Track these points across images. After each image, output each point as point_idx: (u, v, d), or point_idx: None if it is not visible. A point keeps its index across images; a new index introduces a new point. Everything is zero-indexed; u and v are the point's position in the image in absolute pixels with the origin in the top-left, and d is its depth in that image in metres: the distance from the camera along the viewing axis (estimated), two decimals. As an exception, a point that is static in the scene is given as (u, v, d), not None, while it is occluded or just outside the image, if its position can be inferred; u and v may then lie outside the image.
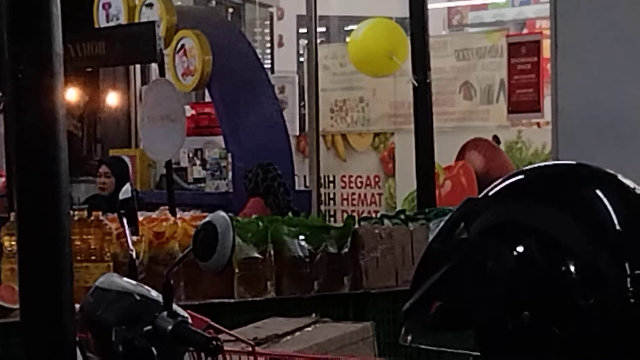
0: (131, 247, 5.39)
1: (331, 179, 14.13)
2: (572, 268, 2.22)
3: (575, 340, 2.22)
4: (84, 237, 7.32)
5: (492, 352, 2.28)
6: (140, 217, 7.17)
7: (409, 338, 2.43)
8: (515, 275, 2.25)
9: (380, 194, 13.64)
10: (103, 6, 13.35)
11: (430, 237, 8.06)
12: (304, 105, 14.78)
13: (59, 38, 3.76)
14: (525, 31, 13.57)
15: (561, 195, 2.35)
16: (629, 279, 2.23)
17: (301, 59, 15.50)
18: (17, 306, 6.30)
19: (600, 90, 10.55)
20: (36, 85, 3.76)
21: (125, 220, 5.45)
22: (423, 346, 2.40)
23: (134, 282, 4.81)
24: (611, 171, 2.40)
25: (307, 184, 13.98)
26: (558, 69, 11.56)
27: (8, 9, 3.84)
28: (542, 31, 12.58)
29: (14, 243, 7.60)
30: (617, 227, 2.28)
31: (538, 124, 12.36)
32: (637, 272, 2.23)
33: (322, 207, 13.74)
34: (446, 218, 2.60)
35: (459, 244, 2.36)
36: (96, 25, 13.28)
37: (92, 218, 7.63)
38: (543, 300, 2.22)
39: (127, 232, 5.50)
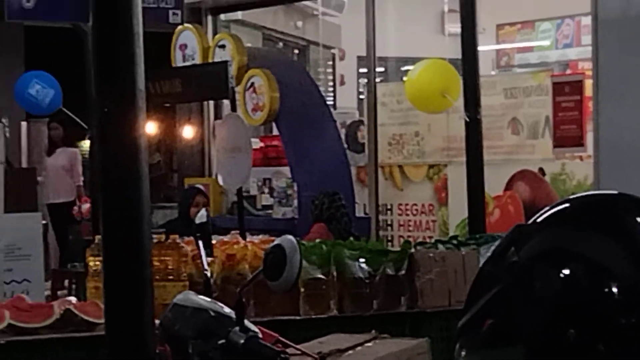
0: (206, 267, 5.43)
1: (389, 206, 14.10)
2: (615, 289, 2.21)
3: (619, 357, 2.21)
4: (162, 258, 7.35)
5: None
6: (214, 240, 7.21)
7: (463, 353, 2.42)
8: (562, 296, 2.24)
9: (434, 221, 13.61)
10: (180, 47, 13.43)
11: (481, 261, 8.04)
12: (363, 139, 14.78)
13: (141, 76, 3.79)
14: (568, 71, 13.52)
15: (604, 222, 2.34)
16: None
17: (361, 97, 15.51)
18: (101, 321, 6.34)
19: (638, 126, 10.49)
20: (120, 120, 3.78)
21: (201, 243, 5.49)
22: (478, 358, 2.40)
23: (208, 299, 4.83)
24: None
25: (367, 211, 13.98)
26: (599, 106, 11.51)
27: (95, 51, 3.87)
28: (584, 72, 12.53)
29: (98, 263, 7.64)
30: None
31: (581, 158, 12.30)
32: None
33: (381, 233, 13.73)
34: (497, 243, 2.60)
35: (510, 267, 2.35)
36: (173, 65, 13.36)
37: (169, 241, 7.65)
38: (587, 320, 2.21)
39: (203, 253, 5.54)
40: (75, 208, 16.84)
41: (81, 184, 17.06)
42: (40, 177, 16.26)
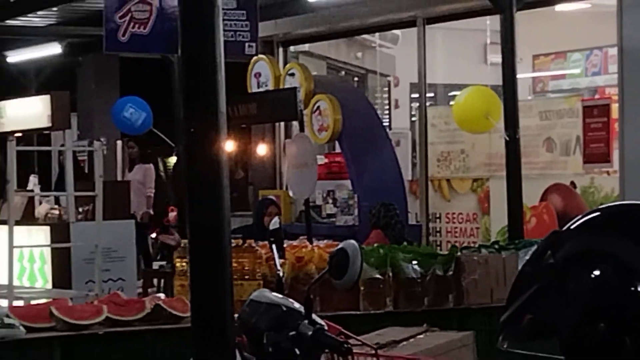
0: (278, 268, 5.43)
1: (438, 215, 14.06)
2: (640, 288, 2.20)
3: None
4: (240, 260, 7.39)
5: (574, 357, 2.26)
6: (285, 244, 7.23)
7: (505, 345, 2.42)
8: (593, 294, 2.23)
9: (477, 228, 13.55)
10: (255, 75, 13.48)
11: (520, 264, 8.01)
12: (415, 156, 14.76)
13: (222, 101, 3.80)
14: (596, 96, 13.42)
15: (630, 228, 2.33)
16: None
17: (413, 119, 15.45)
18: (187, 315, 6.37)
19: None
20: (204, 138, 3.80)
21: (274, 247, 5.50)
22: (516, 351, 2.39)
23: (280, 296, 4.84)
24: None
25: (418, 220, 13.95)
26: (624, 127, 11.44)
27: (183, 78, 3.89)
28: (611, 96, 12.43)
29: (184, 264, 7.69)
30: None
31: (608, 172, 12.20)
32: None
33: (431, 238, 13.70)
34: (534, 247, 2.60)
35: (546, 268, 2.35)
36: (249, 91, 13.40)
37: (246, 245, 7.69)
38: (616, 315, 2.20)
39: (276, 256, 5.55)
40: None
41: (151, 194, 17.13)
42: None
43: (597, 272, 2.28)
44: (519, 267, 6.08)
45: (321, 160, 13.82)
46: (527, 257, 2.61)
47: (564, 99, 13.45)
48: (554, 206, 12.42)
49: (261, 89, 13.40)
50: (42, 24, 17.28)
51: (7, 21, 16.62)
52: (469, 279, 7.78)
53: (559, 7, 13.20)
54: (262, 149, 16.58)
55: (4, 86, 18.78)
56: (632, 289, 2.23)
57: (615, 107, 11.86)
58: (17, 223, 11.50)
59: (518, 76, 11.43)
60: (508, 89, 11.20)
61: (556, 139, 12.72)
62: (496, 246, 8.69)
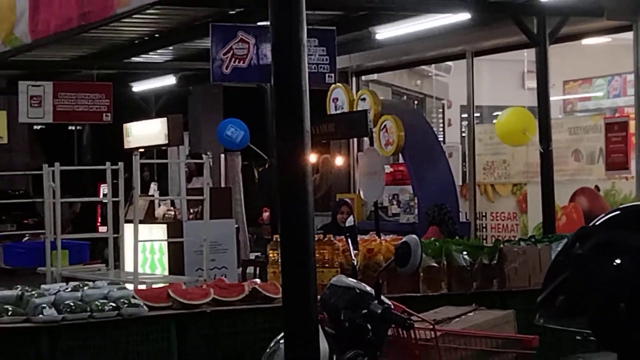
0: (353, 258, 5.45)
1: (483, 214, 13.97)
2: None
3: None
4: (321, 251, 7.38)
5: (598, 331, 2.24)
6: (358, 238, 7.24)
7: (542, 321, 2.40)
8: (615, 279, 2.21)
9: (517, 225, 13.46)
10: (333, 100, 13.49)
11: (553, 254, 7.93)
12: (465, 165, 14.68)
13: (307, 121, 3.81)
14: (617, 115, 13.26)
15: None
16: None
17: (463, 134, 15.38)
18: (279, 296, 6.40)
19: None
20: (292, 152, 3.81)
21: (349, 241, 5.51)
22: (550, 326, 2.37)
23: (355, 281, 4.85)
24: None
25: (468, 218, 13.87)
26: (640, 140, 11.32)
27: (275, 103, 3.90)
28: (629, 115, 12.28)
29: (276, 255, 7.71)
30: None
31: (626, 178, 12.06)
32: None
33: (478, 233, 13.62)
34: (565, 240, 2.59)
35: (576, 257, 2.33)
36: (328, 112, 13.41)
37: (325, 239, 7.69)
38: (635, 297, 2.18)
39: (351, 248, 5.57)
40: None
41: None
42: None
43: (618, 261, 2.26)
44: (552, 257, 6.04)
45: (387, 169, 13.79)
46: (559, 249, 2.60)
47: (590, 117, 13.34)
48: (581, 206, 12.31)
49: (338, 111, 13.41)
50: (160, 60, 17.45)
51: (133, 58, 16.81)
52: (510, 266, 7.72)
53: (584, 41, 13.07)
54: (339, 160, 16.61)
55: (129, 111, 19.01)
56: (649, 274, 2.21)
57: (632, 124, 11.73)
58: (141, 222, 11.64)
59: (550, 99, 11.36)
60: (542, 109, 11.13)
61: (583, 150, 12.61)
62: (532, 239, 8.61)
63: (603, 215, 2.46)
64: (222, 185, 16.50)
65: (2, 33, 4.88)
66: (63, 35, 13.58)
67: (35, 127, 24.96)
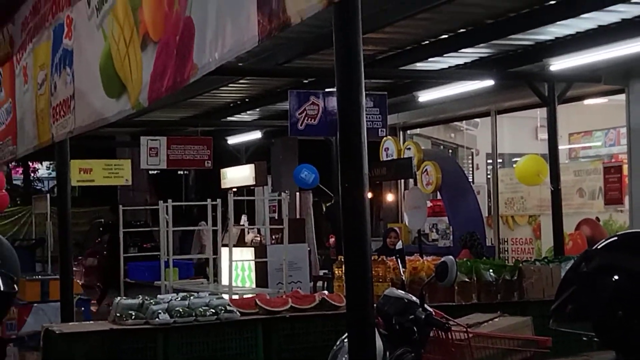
0: (402, 274, 5.46)
1: (505, 240, 13.86)
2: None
3: None
4: (376, 269, 7.36)
5: (601, 334, 2.22)
6: (406, 259, 7.23)
7: (554, 325, 2.38)
8: (613, 291, 2.18)
9: (532, 248, 13.32)
10: (385, 149, 13.49)
11: (563, 271, 7.81)
12: (490, 200, 14.57)
13: (365, 166, 3.81)
14: (613, 160, 13.09)
15: (637, 247, 2.28)
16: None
17: (488, 176, 15.29)
18: (343, 305, 6.38)
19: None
20: (354, 191, 3.80)
21: (398, 261, 5.51)
22: (562, 329, 2.35)
23: (403, 292, 4.83)
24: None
25: (492, 242, 13.75)
26: (632, 181, 11.15)
27: (340, 152, 3.90)
28: (623, 160, 12.12)
29: (340, 272, 7.69)
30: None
31: (621, 211, 11.90)
32: None
33: (501, 255, 13.48)
34: (572, 261, 2.56)
35: (582, 274, 2.30)
36: (381, 159, 13.41)
37: (379, 259, 7.67)
38: (630, 306, 2.15)
39: (400, 266, 5.58)
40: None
41: None
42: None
43: (616, 277, 2.23)
44: (562, 274, 5.97)
45: (428, 204, 13.75)
46: (568, 267, 2.56)
47: (590, 162, 13.20)
48: (585, 233, 12.17)
49: (389, 158, 13.41)
50: (249, 119, 17.64)
51: (228, 118, 17.01)
52: (528, 281, 7.62)
53: (586, 101, 12.99)
54: (389, 197, 16.58)
55: (225, 159, 19.18)
56: (640, 288, 2.19)
57: (625, 167, 11.58)
58: (234, 246, 11.70)
59: (559, 147, 11.28)
60: (552, 156, 11.04)
61: (585, 189, 12.49)
62: (546, 260, 8.50)
63: (603, 240, 2.43)
64: (297, 216, 16.52)
65: (132, 100, 4.97)
66: (168, 101, 13.88)
67: (152, 172, 25.25)
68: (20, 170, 33.10)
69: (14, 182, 32.00)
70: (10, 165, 28.16)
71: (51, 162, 29.70)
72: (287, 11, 3.06)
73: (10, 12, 8.03)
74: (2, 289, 3.02)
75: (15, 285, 3.11)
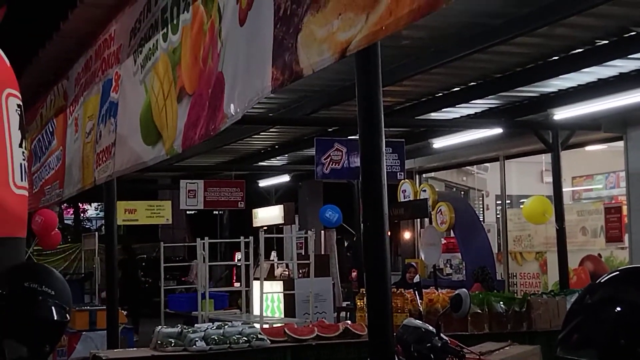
0: (419, 306, 5.42)
1: (514, 274, 13.74)
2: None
3: None
4: (395, 300, 7.31)
5: (604, 360, 2.20)
6: (422, 291, 7.20)
7: (561, 353, 2.35)
8: (616, 321, 2.16)
9: (539, 282, 13.18)
10: (402, 191, 13.47)
11: (568, 304, 7.72)
12: (499, 238, 14.47)
13: (385, 206, 3.81)
14: (613, 201, 13.00)
15: (637, 279, 2.27)
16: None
17: (498, 216, 15.21)
18: (364, 334, 6.35)
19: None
20: (375, 229, 3.80)
21: (416, 293, 5.48)
22: (569, 357, 2.32)
23: (421, 322, 4.79)
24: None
25: (502, 277, 13.64)
26: (631, 220, 11.05)
27: (362, 194, 3.90)
28: (622, 202, 12.04)
29: (362, 303, 7.65)
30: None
31: (622, 248, 11.79)
32: None
33: (510, 288, 13.35)
34: (577, 294, 2.55)
35: (586, 306, 2.28)
36: (399, 200, 13.39)
37: (398, 291, 7.63)
38: (632, 335, 2.13)
39: (417, 298, 5.55)
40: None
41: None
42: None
43: (618, 309, 2.21)
44: (567, 306, 5.91)
45: (442, 241, 13.69)
46: (573, 300, 2.55)
47: (592, 203, 13.13)
48: (588, 269, 12.05)
49: (406, 199, 13.39)
50: (279, 164, 17.71)
51: (260, 163, 17.09)
52: (536, 313, 7.55)
53: (587, 148, 12.92)
54: (407, 235, 16.51)
55: (256, 200, 19.24)
56: (641, 319, 2.16)
57: (624, 208, 11.50)
58: (265, 279, 11.70)
59: (563, 190, 11.22)
60: (557, 197, 10.97)
61: (588, 227, 12.41)
62: (552, 293, 8.44)
63: (605, 275, 2.41)
64: (322, 252, 16.50)
65: (167, 147, 5.02)
66: (205, 148, 14.03)
67: (189, 212, 25.37)
68: (71, 210, 33.39)
69: (65, 221, 32.24)
70: (62, 206, 28.43)
71: (99, 204, 29.94)
72: (300, 64, 3.10)
73: (65, 69, 8.18)
74: (55, 318, 3.04)
75: (67, 315, 3.13)
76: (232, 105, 4.01)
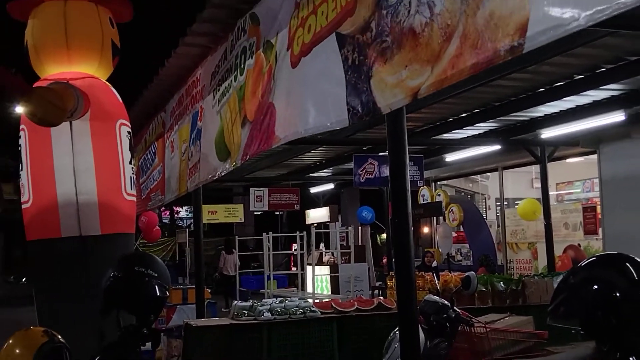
0: (437, 285, 5.37)
1: (511, 260, 13.51)
2: (617, 294, 2.08)
3: (622, 323, 2.07)
4: (417, 281, 7.25)
5: (586, 329, 2.15)
6: (439, 274, 7.12)
7: (551, 322, 2.32)
8: (593, 297, 2.12)
9: (532, 267, 12.95)
10: (421, 195, 13.34)
11: (554, 283, 7.55)
12: (499, 232, 14.25)
13: (409, 206, 3.76)
14: (589, 202, 12.72)
15: (610, 264, 2.22)
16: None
17: (497, 215, 14.98)
18: (394, 307, 6.30)
19: (620, 226, 9.78)
20: (401, 225, 3.73)
21: (434, 275, 5.42)
22: (556, 325, 2.29)
23: (438, 298, 4.75)
24: (631, 255, 2.25)
25: (502, 262, 13.43)
26: (604, 217, 10.79)
27: (393, 198, 3.84)
28: (597, 203, 11.78)
29: (392, 283, 7.59)
30: (635, 277, 2.13)
31: (597, 239, 11.54)
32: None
33: (508, 272, 13.14)
34: (562, 276, 2.49)
35: (570, 285, 2.25)
36: (419, 202, 13.29)
37: (419, 274, 7.56)
38: (606, 307, 2.09)
39: (435, 279, 5.49)
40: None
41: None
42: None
43: (595, 287, 2.17)
44: (554, 285, 5.79)
45: (454, 234, 13.54)
46: (559, 280, 2.50)
47: (573, 204, 12.88)
48: (570, 256, 11.82)
49: (424, 202, 13.29)
50: (325, 175, 17.68)
51: (311, 174, 17.12)
52: (529, 291, 7.42)
53: (568, 160, 12.68)
54: (425, 230, 16.36)
55: (309, 203, 19.24)
56: (614, 294, 2.12)
57: (598, 208, 11.25)
58: (316, 264, 11.70)
59: (549, 193, 11.02)
60: (544, 199, 10.77)
61: (570, 223, 12.18)
62: (542, 275, 8.27)
63: (584, 260, 2.37)
64: (360, 244, 16.45)
65: (232, 162, 5.07)
66: (270, 163, 14.14)
67: (257, 212, 25.50)
68: (168, 212, 33.84)
69: (163, 220, 32.68)
70: (160, 209, 28.81)
71: (189, 207, 30.28)
72: (378, 104, 3.08)
73: (163, 104, 8.32)
74: (158, 294, 3.09)
75: (167, 292, 3.18)
76: (285, 129, 4.03)
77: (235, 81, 5.14)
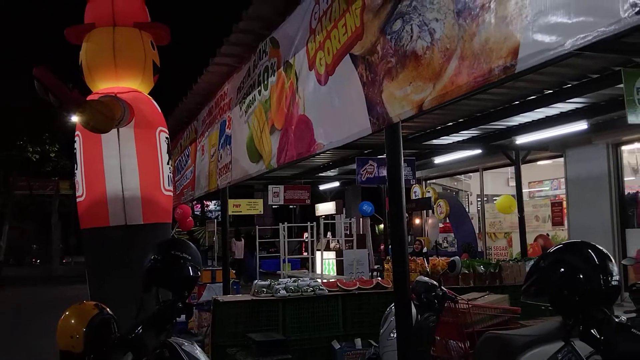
0: (427, 268, 5.35)
1: (490, 247, 13.44)
2: (581, 275, 2.07)
3: (585, 302, 2.06)
4: (410, 264, 7.18)
5: (554, 305, 2.14)
6: (428, 258, 7.07)
7: (524, 299, 2.31)
8: (560, 278, 2.11)
9: (507, 253, 12.89)
10: (414, 192, 13.23)
11: (527, 267, 7.50)
12: (480, 223, 14.17)
13: (403, 202, 3.75)
14: (557, 198, 12.65)
15: (575, 250, 2.21)
16: (602, 280, 2.07)
17: (478, 208, 14.90)
18: (390, 286, 6.28)
19: (588, 217, 9.72)
20: (396, 217, 3.73)
21: (424, 259, 5.41)
22: (529, 301, 2.28)
23: (427, 279, 4.74)
24: (593, 243, 2.24)
25: (482, 249, 13.36)
26: (569, 211, 10.72)
27: (390, 194, 3.83)
28: (563, 199, 11.71)
29: (389, 266, 7.55)
30: (596, 261, 2.12)
31: (562, 230, 11.46)
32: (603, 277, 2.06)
33: (487, 257, 13.07)
34: (533, 260, 2.48)
35: (540, 267, 2.24)
36: (411, 198, 13.22)
37: (411, 258, 7.51)
38: (571, 286, 2.08)
39: (425, 263, 5.48)
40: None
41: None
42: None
43: (562, 269, 2.16)
44: (527, 268, 5.77)
45: (441, 225, 13.47)
46: (531, 264, 2.49)
47: (542, 200, 12.80)
48: (540, 244, 11.75)
49: (416, 197, 13.23)
50: (332, 175, 17.63)
51: (320, 174, 17.08)
52: (505, 273, 7.37)
53: (539, 162, 12.60)
54: (417, 221, 16.30)
55: (318, 198, 19.20)
56: (578, 276, 2.11)
57: (565, 203, 11.17)
58: (324, 250, 11.69)
59: (523, 190, 10.94)
60: (518, 196, 10.69)
61: (540, 216, 12.12)
62: (516, 259, 8.21)
63: (552, 247, 2.36)
64: (361, 233, 16.41)
65: (266, 163, 5.09)
66: (288, 164, 14.12)
67: (274, 206, 25.52)
68: (199, 206, 33.98)
69: (195, 212, 32.81)
70: (193, 203, 28.92)
71: (217, 201, 30.36)
72: (389, 114, 3.10)
73: (195, 114, 8.36)
74: (191, 274, 3.10)
75: (199, 272, 3.19)
76: (323, 137, 4.06)
77: (259, 95, 5.16)
